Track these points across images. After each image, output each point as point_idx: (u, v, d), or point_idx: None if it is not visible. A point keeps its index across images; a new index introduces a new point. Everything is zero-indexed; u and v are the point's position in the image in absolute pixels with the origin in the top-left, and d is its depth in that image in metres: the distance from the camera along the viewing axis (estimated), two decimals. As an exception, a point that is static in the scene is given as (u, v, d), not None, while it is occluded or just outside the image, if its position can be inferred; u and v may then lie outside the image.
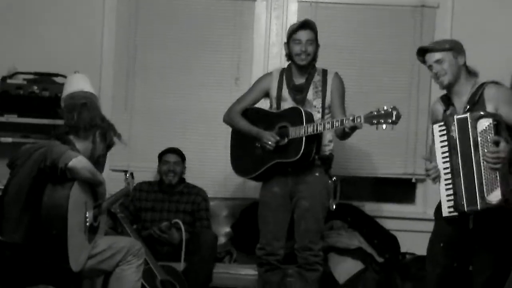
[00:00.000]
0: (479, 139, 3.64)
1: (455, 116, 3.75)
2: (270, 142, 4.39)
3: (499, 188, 3.60)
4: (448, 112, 3.89)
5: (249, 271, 4.79)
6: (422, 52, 3.94)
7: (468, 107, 3.80)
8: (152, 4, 5.53)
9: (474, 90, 3.85)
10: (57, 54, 5.36)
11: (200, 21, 5.50)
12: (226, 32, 5.49)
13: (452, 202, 3.76)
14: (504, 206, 3.62)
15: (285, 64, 5.03)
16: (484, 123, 3.64)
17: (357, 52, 5.45)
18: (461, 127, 3.70)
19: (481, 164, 3.64)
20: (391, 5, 5.45)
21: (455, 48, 3.86)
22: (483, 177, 3.63)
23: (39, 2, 5.47)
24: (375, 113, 4.09)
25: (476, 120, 3.65)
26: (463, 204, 3.70)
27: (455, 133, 3.72)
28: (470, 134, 3.66)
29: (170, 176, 5.08)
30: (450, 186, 3.77)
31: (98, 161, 3.94)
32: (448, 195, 3.78)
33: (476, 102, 3.80)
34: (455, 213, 3.77)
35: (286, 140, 4.40)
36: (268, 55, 5.50)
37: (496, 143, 3.59)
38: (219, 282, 4.82)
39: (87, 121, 3.83)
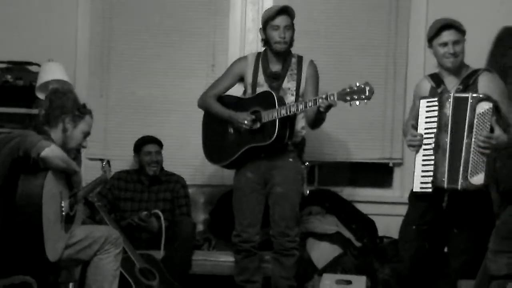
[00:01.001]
0: (475, 121, 3.67)
1: (452, 94, 3.76)
2: (246, 122, 4.37)
3: (483, 172, 3.65)
4: (439, 90, 3.90)
5: (227, 258, 4.78)
6: (444, 27, 3.88)
7: (461, 87, 3.83)
8: (127, -8, 5.49)
9: (468, 73, 3.89)
10: (31, 43, 5.32)
11: (175, 8, 5.47)
12: (202, 19, 5.46)
13: (430, 178, 3.79)
14: (483, 190, 3.69)
15: (261, 49, 5.03)
16: (484, 106, 3.67)
17: (333, 37, 5.44)
18: (458, 106, 3.72)
19: (472, 146, 3.67)
20: (367, -11, 5.45)
21: (465, 33, 3.92)
22: (470, 159, 3.67)
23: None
24: (348, 89, 4.09)
25: (477, 101, 3.68)
26: (444, 180, 3.74)
27: (449, 110, 3.74)
28: (468, 114, 3.68)
29: (154, 166, 5.04)
30: (429, 162, 3.80)
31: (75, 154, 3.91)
32: (424, 171, 3.82)
33: (469, 85, 3.83)
34: (428, 190, 3.80)
35: (259, 124, 4.38)
36: (244, 41, 5.48)
37: (492, 129, 3.63)
38: (198, 269, 4.82)
39: (57, 109, 3.79)
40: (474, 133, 3.66)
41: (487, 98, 3.68)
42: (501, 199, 4.64)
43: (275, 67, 4.51)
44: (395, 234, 5.07)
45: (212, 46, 5.47)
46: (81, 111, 3.87)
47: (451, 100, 3.73)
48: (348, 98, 4.08)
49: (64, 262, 3.78)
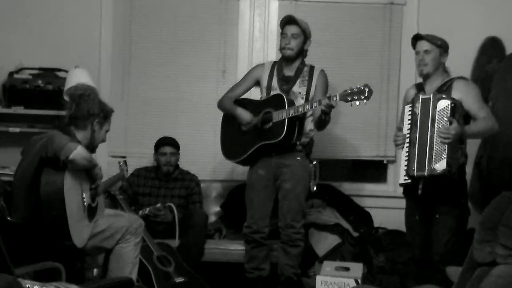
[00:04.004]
0: (436, 116, 3.81)
1: (420, 96, 3.92)
2: (248, 124, 4.44)
3: (445, 159, 3.76)
4: (418, 95, 4.00)
5: (237, 246, 4.78)
6: (416, 38, 4.07)
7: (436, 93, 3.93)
8: (145, 4, 5.47)
9: (444, 82, 4.00)
10: (59, 51, 5.31)
11: (190, 19, 5.45)
12: (213, 29, 5.45)
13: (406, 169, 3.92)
14: (447, 175, 3.78)
15: (269, 57, 5.09)
16: (443, 103, 3.81)
17: (332, 46, 5.42)
18: (424, 105, 3.87)
19: (434, 137, 3.80)
20: (363, 3, 5.43)
21: (443, 47, 4.02)
22: (434, 148, 3.80)
23: (42, 4, 5.40)
24: (349, 91, 4.11)
25: (437, 100, 3.83)
26: (414, 169, 3.86)
27: (418, 110, 3.88)
28: (430, 111, 3.83)
29: (167, 166, 5.03)
30: (407, 156, 3.92)
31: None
32: (405, 165, 3.93)
33: (443, 91, 3.94)
34: (408, 181, 3.93)
35: (270, 123, 4.39)
36: (252, 49, 5.46)
37: (450, 122, 3.76)
38: (210, 256, 4.81)
39: (85, 111, 3.80)
40: (436, 126, 3.80)
41: (445, 97, 3.83)
42: (483, 194, 4.68)
43: (288, 72, 4.53)
44: (389, 225, 5.11)
45: (222, 54, 5.45)
46: (106, 114, 3.89)
47: (419, 101, 3.89)
48: (349, 98, 4.09)
49: (89, 250, 3.81)
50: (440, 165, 3.77)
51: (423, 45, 4.00)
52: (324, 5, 5.44)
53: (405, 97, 4.21)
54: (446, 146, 3.76)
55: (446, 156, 3.75)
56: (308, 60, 4.59)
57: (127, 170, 4.46)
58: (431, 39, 4.01)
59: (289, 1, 5.41)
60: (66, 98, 4.83)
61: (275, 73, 4.54)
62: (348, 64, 5.41)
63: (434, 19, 5.22)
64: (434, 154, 3.78)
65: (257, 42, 5.46)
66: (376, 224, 5.19)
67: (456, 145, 3.81)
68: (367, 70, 5.38)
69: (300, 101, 4.42)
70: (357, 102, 4.08)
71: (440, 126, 3.78)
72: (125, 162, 4.44)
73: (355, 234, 4.98)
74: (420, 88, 4.10)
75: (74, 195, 3.62)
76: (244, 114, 4.48)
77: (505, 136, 4.57)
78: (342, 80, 5.14)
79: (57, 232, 3.52)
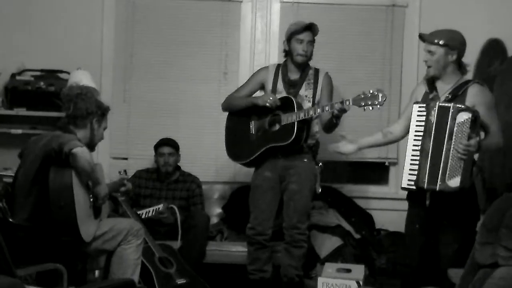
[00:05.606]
0: (455, 129, 3.64)
1: (438, 103, 3.72)
2: (271, 98, 4.36)
3: (460, 176, 3.63)
4: (431, 96, 3.87)
5: (239, 248, 4.78)
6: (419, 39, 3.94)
7: (450, 97, 3.79)
8: (147, 6, 5.47)
9: (459, 84, 3.83)
10: (61, 53, 5.32)
11: (192, 21, 5.45)
12: (215, 31, 5.45)
13: (414, 176, 3.77)
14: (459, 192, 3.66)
15: (271, 59, 5.05)
16: (464, 116, 3.63)
17: (335, 48, 5.42)
18: (441, 114, 3.68)
19: (450, 151, 3.65)
20: (365, 4, 5.44)
21: (450, 44, 3.80)
22: (449, 163, 3.65)
23: (45, 6, 5.41)
24: (362, 95, 4.06)
25: (457, 111, 3.64)
26: (424, 181, 3.71)
27: (434, 118, 3.70)
28: (448, 122, 3.65)
29: (166, 166, 5.04)
30: (415, 162, 3.77)
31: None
32: (411, 170, 3.79)
33: (458, 95, 3.79)
34: (413, 187, 3.79)
35: (278, 126, 4.38)
36: (254, 51, 5.46)
37: (469, 137, 3.61)
38: (212, 258, 4.81)
39: (83, 110, 3.81)
40: (453, 140, 3.65)
41: (467, 109, 3.66)
42: (486, 196, 4.66)
43: (294, 76, 4.51)
44: (390, 227, 5.11)
45: (224, 56, 5.46)
46: (103, 111, 3.89)
47: (436, 108, 3.70)
48: (363, 103, 4.06)
49: (92, 252, 3.82)
50: (454, 182, 3.64)
51: (425, 46, 3.86)
52: (326, 7, 5.45)
53: (413, 93, 4.05)
54: (463, 162, 3.62)
55: (461, 173, 3.62)
56: (310, 62, 4.58)
57: (126, 179, 4.42)
58: (430, 39, 3.82)
59: (291, 3, 5.41)
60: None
61: (280, 76, 4.53)
62: (350, 66, 5.41)
63: (435, 21, 5.17)
64: (448, 169, 3.64)
65: (258, 44, 5.46)
66: (377, 226, 5.19)
67: (471, 159, 3.67)
68: (369, 71, 5.39)
69: (307, 104, 4.42)
70: (371, 107, 4.04)
71: (457, 139, 3.62)
72: (125, 172, 4.45)
73: (357, 236, 4.98)
74: (431, 85, 3.92)
75: (81, 191, 3.63)
76: (264, 94, 4.45)
77: (507, 139, 4.57)
78: (344, 81, 5.15)
79: (64, 223, 3.52)
